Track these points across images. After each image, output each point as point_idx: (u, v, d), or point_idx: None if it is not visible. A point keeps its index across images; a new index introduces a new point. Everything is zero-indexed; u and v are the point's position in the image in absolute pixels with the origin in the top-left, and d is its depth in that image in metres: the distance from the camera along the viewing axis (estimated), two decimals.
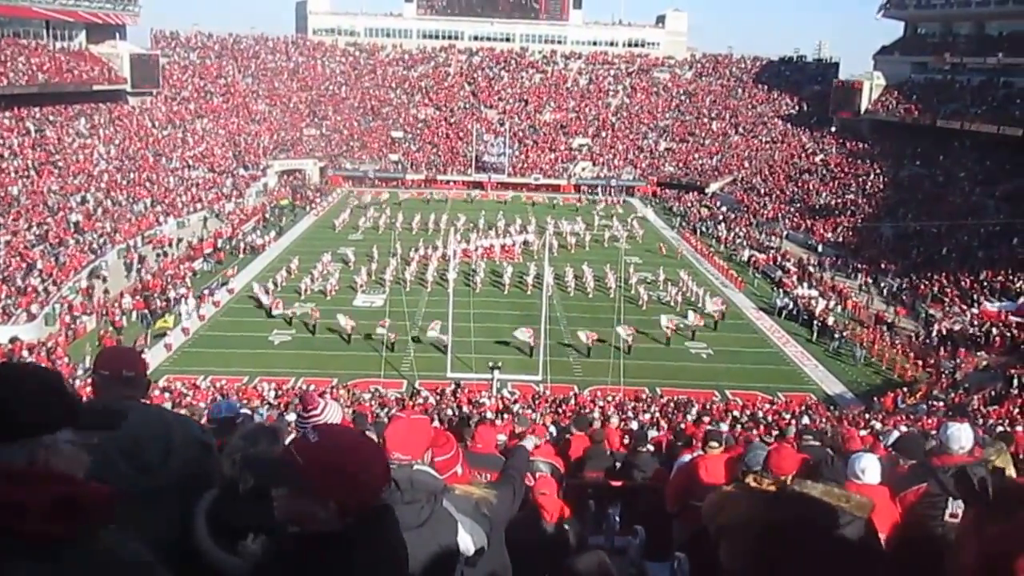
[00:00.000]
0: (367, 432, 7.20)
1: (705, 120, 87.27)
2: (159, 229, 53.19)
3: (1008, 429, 20.32)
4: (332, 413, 4.65)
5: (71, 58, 66.12)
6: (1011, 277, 41.99)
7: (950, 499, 4.91)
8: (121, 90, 69.60)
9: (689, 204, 71.16)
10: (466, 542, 3.23)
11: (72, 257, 43.61)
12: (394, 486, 2.70)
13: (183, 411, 17.92)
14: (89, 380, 3.61)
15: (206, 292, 43.25)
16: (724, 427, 17.67)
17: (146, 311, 39.22)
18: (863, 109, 74.78)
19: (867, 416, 26.54)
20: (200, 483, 2.92)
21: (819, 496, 3.39)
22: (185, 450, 2.94)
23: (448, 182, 77.77)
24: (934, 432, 10.72)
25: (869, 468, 5.26)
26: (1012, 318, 36.48)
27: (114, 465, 2.72)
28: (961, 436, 5.20)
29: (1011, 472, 5.33)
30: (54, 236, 44.85)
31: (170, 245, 50.91)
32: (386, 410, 23.95)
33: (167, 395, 27.55)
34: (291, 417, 13.24)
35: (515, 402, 28.71)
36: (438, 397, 29.48)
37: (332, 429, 2.62)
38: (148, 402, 3.68)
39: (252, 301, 42.30)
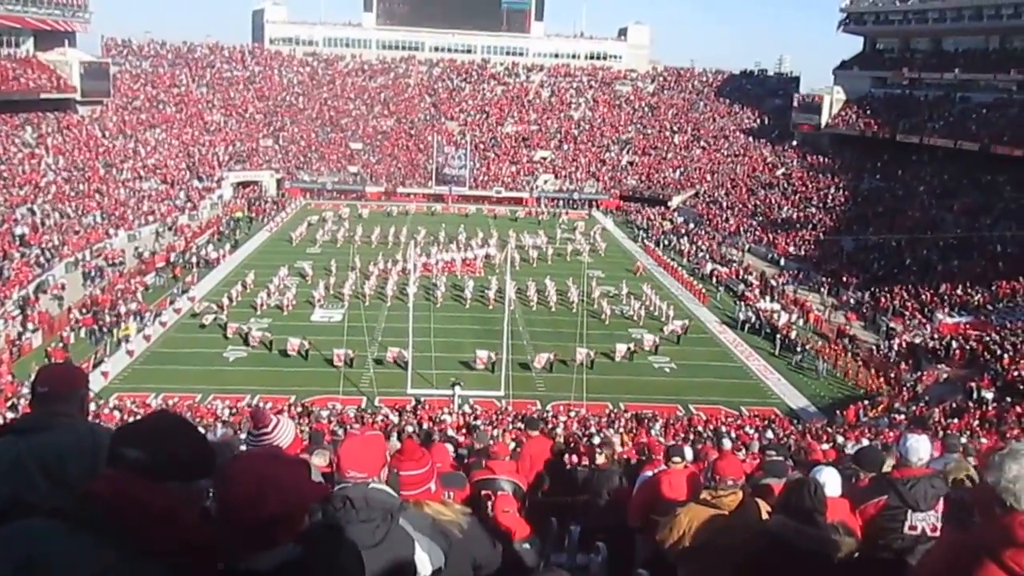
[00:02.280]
0: (316, 452, 6.90)
1: (667, 133, 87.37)
2: (109, 242, 51.75)
3: (968, 442, 20.50)
4: (284, 431, 4.48)
5: (18, 65, 64.25)
6: (969, 290, 42.22)
7: (910, 511, 5.03)
8: (70, 99, 67.80)
9: (652, 218, 70.93)
10: (423, 561, 3.20)
11: (17, 271, 42.16)
12: (349, 504, 2.81)
13: None
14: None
15: (167, 300, 42.84)
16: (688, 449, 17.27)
17: (95, 327, 38.16)
18: (824, 123, 75.39)
19: (830, 429, 26.44)
20: None
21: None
22: None
23: (408, 195, 76.90)
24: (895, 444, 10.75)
25: (829, 481, 5.18)
26: (971, 331, 36.79)
27: (30, 478, 2.69)
28: (920, 448, 5.28)
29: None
30: None
31: (119, 263, 49.53)
32: (345, 428, 23.31)
33: (117, 413, 26.80)
34: (244, 435, 12.57)
35: (476, 418, 28.08)
36: (398, 414, 28.80)
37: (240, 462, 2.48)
38: (87, 419, 3.56)
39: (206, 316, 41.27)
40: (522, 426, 16.89)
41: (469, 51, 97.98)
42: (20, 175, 53.87)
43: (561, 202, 77.63)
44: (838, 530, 4.04)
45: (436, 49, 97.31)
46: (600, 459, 10.28)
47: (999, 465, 2.53)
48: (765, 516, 4.79)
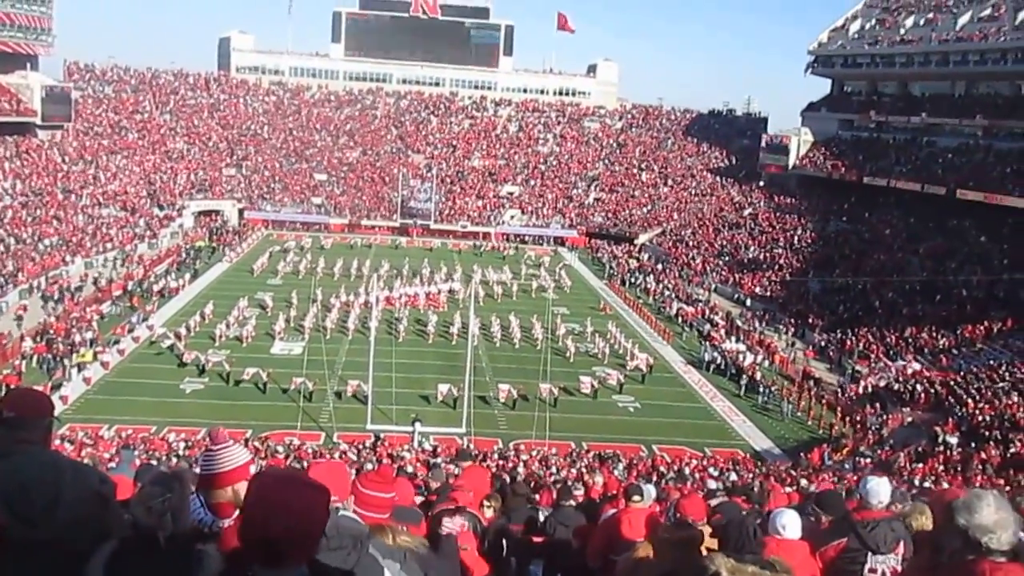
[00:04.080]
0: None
1: (635, 171, 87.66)
2: (65, 269, 50.61)
3: (933, 486, 20.30)
4: (238, 451, 4.06)
5: None
6: (934, 334, 42.37)
7: (869, 554, 5.09)
8: (30, 122, 66.82)
9: (618, 255, 70.82)
10: None
11: None
12: None
13: (87, 460, 16.88)
14: None
15: (126, 328, 42.10)
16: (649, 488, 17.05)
17: (48, 355, 37.29)
18: (791, 164, 75.99)
19: (794, 472, 26.28)
20: (94, 536, 2.68)
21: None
22: (77, 501, 2.62)
23: (373, 227, 76.27)
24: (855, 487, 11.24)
25: (790, 524, 5.21)
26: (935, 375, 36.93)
27: None
28: (880, 491, 5.39)
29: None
30: None
31: (76, 288, 48.35)
32: (303, 464, 22.79)
33: (68, 445, 26.23)
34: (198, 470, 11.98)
35: (437, 455, 27.51)
36: (357, 450, 28.34)
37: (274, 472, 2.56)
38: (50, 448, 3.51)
39: (162, 347, 40.40)
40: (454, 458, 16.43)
41: (437, 84, 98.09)
42: None
43: (527, 238, 77.38)
44: (774, 567, 3.81)
45: (404, 81, 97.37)
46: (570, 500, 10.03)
47: (969, 507, 2.64)
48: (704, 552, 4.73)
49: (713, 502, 8.64)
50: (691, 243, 69.98)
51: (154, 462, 19.70)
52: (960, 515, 2.66)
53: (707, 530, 5.39)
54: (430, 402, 34.95)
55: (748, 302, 55.36)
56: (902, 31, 71.57)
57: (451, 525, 6.52)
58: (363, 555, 2.99)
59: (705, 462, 30.23)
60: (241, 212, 75.45)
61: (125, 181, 69.21)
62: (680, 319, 52.21)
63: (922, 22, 70.68)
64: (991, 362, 37.62)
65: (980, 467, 27.39)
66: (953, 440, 30.81)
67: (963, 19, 66.40)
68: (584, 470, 25.08)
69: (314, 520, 2.35)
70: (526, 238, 77.16)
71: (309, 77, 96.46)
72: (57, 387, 33.70)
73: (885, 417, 35.01)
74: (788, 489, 17.49)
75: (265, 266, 58.94)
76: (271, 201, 77.34)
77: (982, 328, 41.39)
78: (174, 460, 22.55)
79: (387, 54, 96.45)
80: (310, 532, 2.33)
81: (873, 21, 75.95)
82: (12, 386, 29.81)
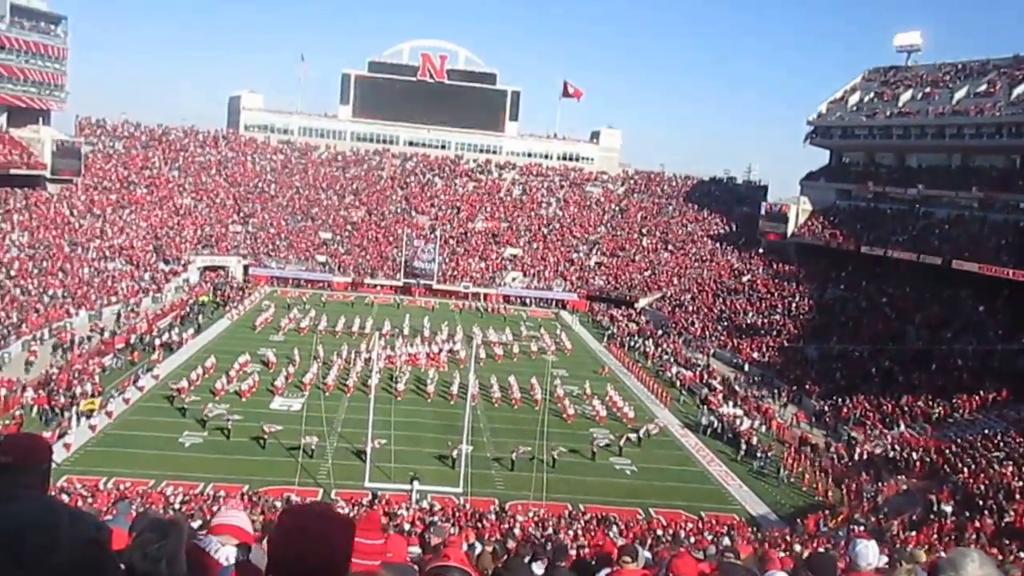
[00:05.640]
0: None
1: (636, 236, 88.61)
2: (69, 321, 51.07)
3: (926, 553, 20.28)
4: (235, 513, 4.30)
5: None
6: (931, 402, 42.58)
7: None
8: (40, 176, 67.92)
9: (618, 318, 71.26)
10: None
11: None
12: None
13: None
14: None
15: (132, 379, 42.69)
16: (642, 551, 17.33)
17: (48, 407, 37.51)
18: (790, 232, 76.75)
19: (789, 538, 26.30)
20: None
21: None
22: (73, 546, 2.52)
23: (376, 286, 76.87)
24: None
25: None
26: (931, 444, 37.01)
27: None
28: (868, 553, 5.65)
29: None
30: None
31: (81, 341, 48.74)
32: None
33: (65, 496, 26.17)
34: (196, 524, 12.27)
35: (433, 514, 27.63)
36: (354, 508, 28.28)
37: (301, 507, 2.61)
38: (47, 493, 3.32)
39: (164, 399, 40.74)
40: None
41: (443, 146, 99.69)
42: None
43: (528, 300, 77.95)
44: None
45: (410, 143, 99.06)
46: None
47: (953, 564, 2.63)
48: None
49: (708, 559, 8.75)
50: (691, 308, 70.47)
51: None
52: (945, 571, 2.64)
53: None
54: (435, 460, 35.19)
55: (746, 367, 55.67)
56: (899, 104, 72.93)
57: None
58: None
59: (701, 526, 30.36)
60: (246, 268, 76.10)
61: (132, 235, 70.07)
62: (679, 383, 52.48)
63: (919, 96, 72.11)
64: (986, 431, 37.77)
65: (975, 536, 27.33)
66: (948, 509, 30.82)
67: (959, 93, 67.72)
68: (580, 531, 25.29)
69: (343, 553, 2.42)
70: (527, 300, 77.72)
71: (317, 137, 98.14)
72: (62, 435, 34.05)
73: (880, 485, 35.04)
74: (782, 554, 17.64)
75: (268, 322, 59.33)
76: (276, 258, 78.05)
77: (977, 398, 41.62)
78: (170, 512, 22.49)
79: (394, 116, 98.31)
80: (341, 566, 2.39)
81: (871, 94, 77.46)
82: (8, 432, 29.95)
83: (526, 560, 10.95)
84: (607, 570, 7.88)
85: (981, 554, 2.71)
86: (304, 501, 23.93)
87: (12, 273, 52.97)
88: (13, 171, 64.19)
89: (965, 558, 2.66)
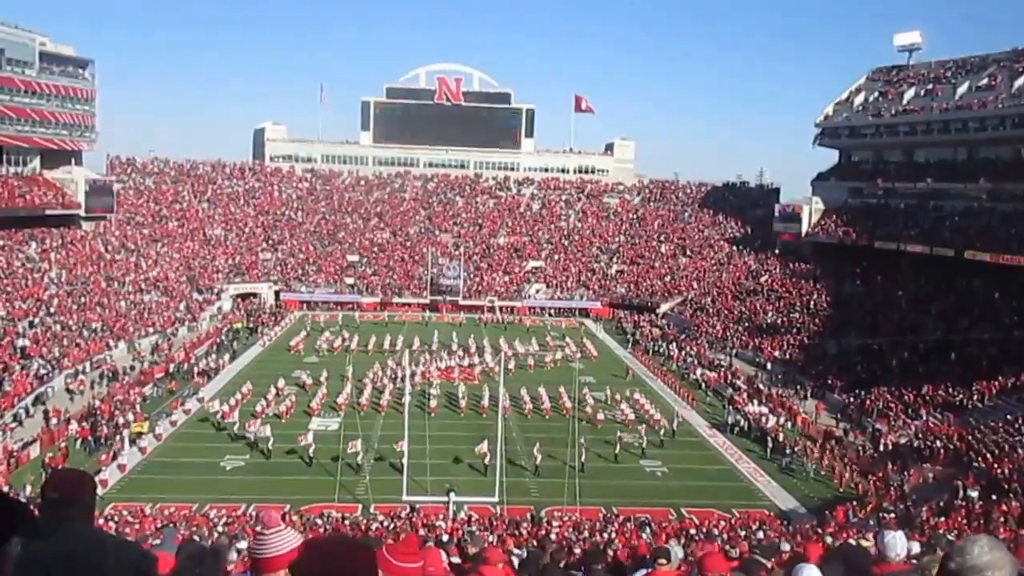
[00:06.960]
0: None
1: (654, 243, 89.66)
2: (108, 354, 52.68)
3: (957, 539, 20.50)
4: (288, 536, 3.90)
5: (24, 183, 66.51)
6: (951, 391, 43.20)
7: None
8: (75, 215, 69.94)
9: (641, 324, 72.26)
10: None
11: (16, 383, 42.97)
12: None
13: (131, 537, 17.56)
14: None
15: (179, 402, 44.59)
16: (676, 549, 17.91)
17: (90, 438, 38.56)
18: (804, 232, 77.46)
19: (820, 530, 26.66)
20: None
21: None
22: (119, 574, 2.91)
23: (404, 305, 78.28)
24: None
25: None
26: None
27: None
28: (896, 544, 5.50)
29: None
30: None
31: (123, 371, 50.36)
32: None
33: (112, 523, 26.86)
34: (242, 544, 13.16)
35: (470, 524, 28.47)
36: (393, 521, 29.07)
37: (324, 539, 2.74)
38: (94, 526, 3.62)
39: (205, 423, 41.96)
40: None
41: (462, 166, 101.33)
42: (23, 288, 55.22)
43: (553, 310, 79.11)
44: None
45: (430, 165, 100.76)
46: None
47: (961, 551, 2.62)
48: None
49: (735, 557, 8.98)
50: (711, 310, 71.39)
51: (196, 537, 20.60)
52: (953, 559, 2.62)
53: None
54: (470, 466, 36.28)
55: (768, 366, 56.51)
56: (904, 102, 73.59)
57: None
58: None
59: (734, 522, 30.72)
60: (277, 294, 77.86)
61: (165, 267, 72.00)
62: (703, 384, 53.40)
63: (923, 93, 72.80)
64: (1008, 416, 38.17)
65: (1002, 519, 27.52)
66: (974, 494, 31.07)
67: (961, 88, 68.35)
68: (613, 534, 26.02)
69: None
70: (551, 311, 78.87)
71: (340, 164, 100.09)
72: (115, 457, 35.47)
73: (906, 474, 35.46)
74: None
75: (301, 345, 60.69)
76: (305, 282, 79.71)
77: (996, 384, 42.18)
78: (215, 536, 22.86)
79: (414, 140, 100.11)
80: None
81: (876, 94, 78.16)
82: (56, 467, 31.10)
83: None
84: (643, 572, 8.05)
85: (991, 539, 2.68)
86: (325, 532, 24.17)
87: (52, 310, 54.59)
88: (49, 212, 66.27)
89: (973, 545, 2.61)
